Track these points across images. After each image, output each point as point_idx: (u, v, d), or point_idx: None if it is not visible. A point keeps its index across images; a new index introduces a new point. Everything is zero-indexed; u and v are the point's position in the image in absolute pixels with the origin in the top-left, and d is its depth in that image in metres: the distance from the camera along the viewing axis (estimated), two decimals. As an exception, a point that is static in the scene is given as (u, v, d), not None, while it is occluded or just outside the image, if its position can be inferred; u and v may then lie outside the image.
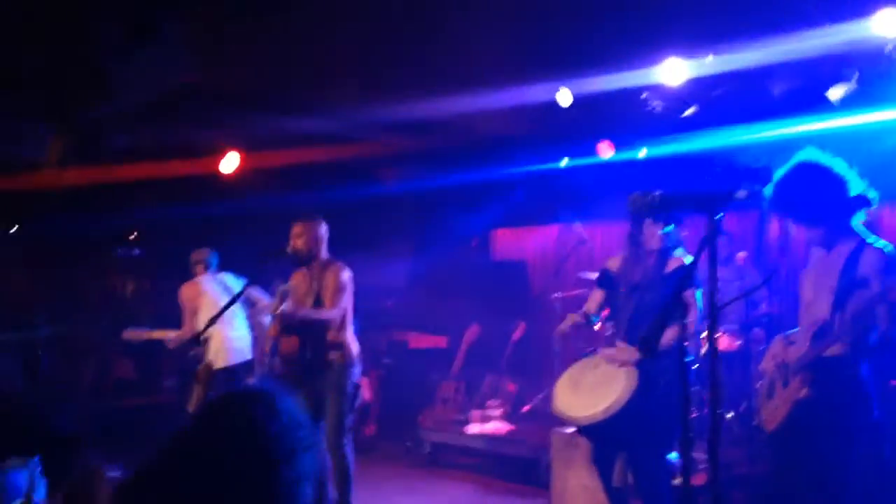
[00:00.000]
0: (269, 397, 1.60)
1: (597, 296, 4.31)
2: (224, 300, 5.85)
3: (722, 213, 2.22)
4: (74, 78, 4.65)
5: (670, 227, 4.05)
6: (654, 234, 4.03)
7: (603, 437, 4.02)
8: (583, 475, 5.23)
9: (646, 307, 4.03)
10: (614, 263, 4.28)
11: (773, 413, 3.38)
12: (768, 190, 3.29)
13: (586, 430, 4.02)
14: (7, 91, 5.25)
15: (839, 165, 3.26)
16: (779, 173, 3.31)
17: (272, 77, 6.11)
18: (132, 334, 6.25)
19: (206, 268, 6.27)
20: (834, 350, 3.19)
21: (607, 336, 4.35)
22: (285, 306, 4.75)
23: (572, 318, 4.22)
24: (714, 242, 2.22)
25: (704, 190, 2.22)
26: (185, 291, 6.18)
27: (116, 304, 7.16)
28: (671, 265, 4.04)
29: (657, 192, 2.25)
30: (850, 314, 3.16)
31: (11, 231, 7.97)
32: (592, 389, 3.96)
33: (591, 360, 4.11)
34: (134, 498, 1.56)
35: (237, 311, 6.08)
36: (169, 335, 6.16)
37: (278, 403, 1.59)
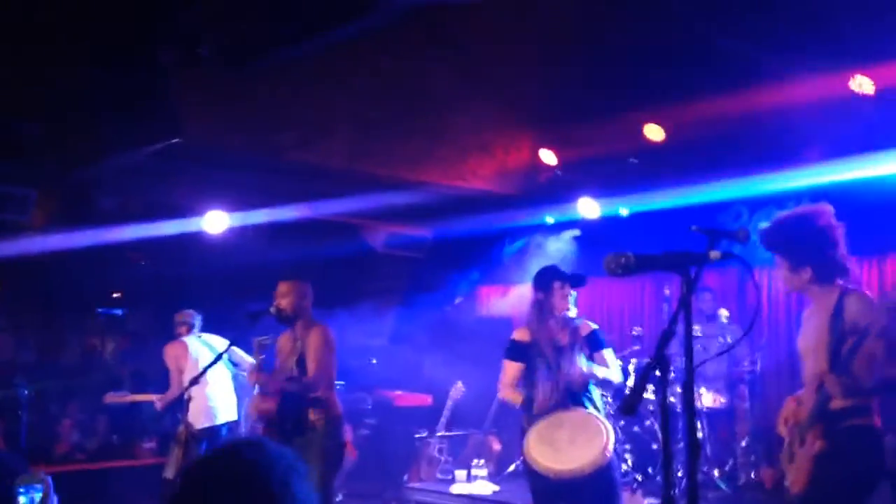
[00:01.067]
0: (257, 441, 1.66)
1: (512, 370, 4.27)
2: (207, 361, 5.85)
3: (695, 273, 2.27)
4: (69, 143, 4.70)
5: (574, 293, 4.11)
6: (565, 296, 4.08)
7: (580, 492, 3.94)
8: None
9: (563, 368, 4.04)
10: (523, 334, 4.25)
11: (796, 475, 3.36)
12: (765, 226, 3.37)
13: (569, 485, 3.93)
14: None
15: (837, 222, 3.33)
16: (783, 213, 3.40)
17: (261, 135, 6.20)
18: (114, 398, 6.21)
19: (190, 329, 6.26)
20: (838, 403, 3.21)
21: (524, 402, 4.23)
22: (262, 362, 4.74)
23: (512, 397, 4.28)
24: (689, 301, 2.26)
25: (678, 250, 2.27)
26: (170, 351, 6.15)
27: (96, 364, 7.10)
28: (583, 329, 4.13)
29: (630, 254, 2.30)
30: (853, 365, 3.18)
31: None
32: (571, 444, 3.93)
33: (553, 419, 4.07)
34: None
35: (221, 371, 6.05)
36: (151, 398, 6.12)
37: (265, 445, 1.63)
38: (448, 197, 7.56)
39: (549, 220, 8.08)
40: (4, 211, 5.92)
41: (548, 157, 7.48)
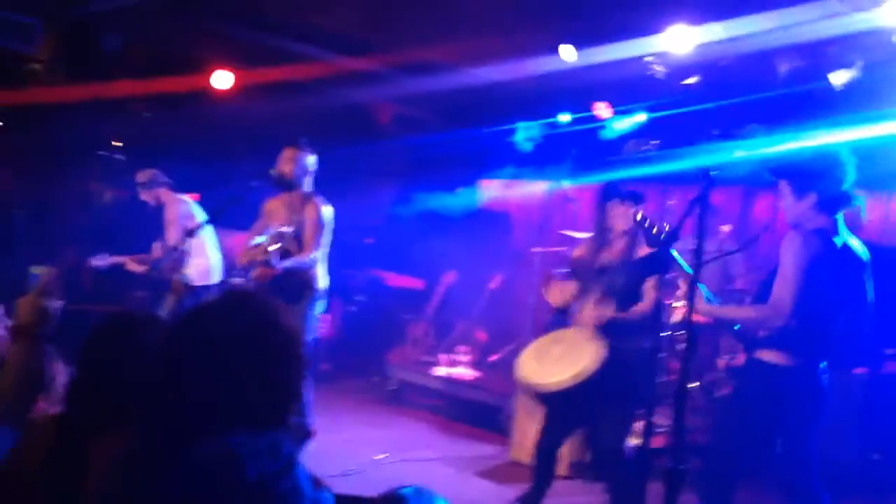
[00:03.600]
0: (243, 299, 1.67)
1: (570, 287, 4.18)
2: (197, 220, 5.88)
3: (716, 169, 2.22)
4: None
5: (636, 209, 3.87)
6: (620, 215, 3.95)
7: (563, 407, 3.97)
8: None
9: (613, 291, 3.94)
10: (579, 251, 4.21)
11: None
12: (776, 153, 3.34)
13: (548, 399, 3.94)
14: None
15: (848, 157, 3.31)
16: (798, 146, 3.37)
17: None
18: (99, 261, 6.20)
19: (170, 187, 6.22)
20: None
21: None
22: (278, 246, 4.72)
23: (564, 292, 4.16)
24: (706, 199, 2.21)
25: (703, 141, 2.21)
26: (175, 203, 6.09)
27: (93, 211, 7.09)
28: (641, 251, 3.93)
29: (654, 141, 2.24)
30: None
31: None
32: (559, 359, 3.92)
33: (557, 335, 4.08)
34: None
35: (212, 235, 6.09)
36: (137, 268, 6.10)
37: (252, 306, 1.64)
38: (459, 82, 7.38)
39: (563, 117, 7.92)
40: (10, 39, 5.73)
41: (567, 53, 7.25)
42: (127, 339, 1.89)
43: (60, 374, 2.18)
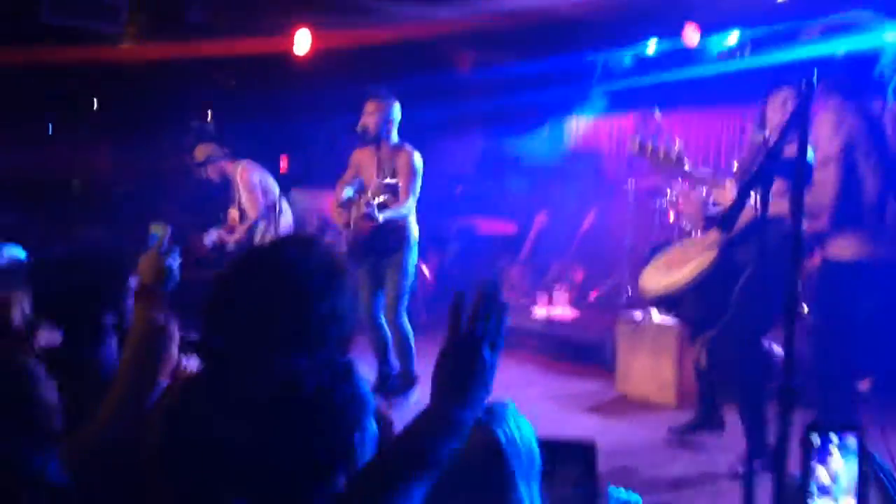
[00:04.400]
0: (307, 240, 1.72)
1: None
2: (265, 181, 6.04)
3: (818, 76, 2.10)
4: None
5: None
6: (777, 109, 3.64)
7: (676, 313, 4.24)
8: (648, 359, 5.26)
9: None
10: (745, 154, 4.11)
11: None
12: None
13: (659, 303, 4.26)
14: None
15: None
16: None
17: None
18: (209, 238, 6.27)
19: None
20: None
21: None
22: (379, 199, 4.77)
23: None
24: (806, 112, 2.09)
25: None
26: (250, 171, 6.19)
27: (191, 182, 7.32)
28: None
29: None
30: None
31: (93, 108, 8.15)
32: (671, 267, 4.07)
33: (688, 241, 4.30)
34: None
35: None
36: (237, 236, 6.20)
37: (315, 246, 1.66)
38: (541, 20, 7.21)
39: (651, 47, 7.64)
40: (99, 20, 5.92)
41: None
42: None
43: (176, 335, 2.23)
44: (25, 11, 5.85)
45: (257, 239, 6.02)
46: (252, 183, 6.13)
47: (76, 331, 2.29)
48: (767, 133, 3.77)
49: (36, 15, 5.79)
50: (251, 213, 6.14)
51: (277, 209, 5.58)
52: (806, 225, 3.18)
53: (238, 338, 1.58)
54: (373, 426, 1.55)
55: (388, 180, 4.87)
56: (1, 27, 5.86)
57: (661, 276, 4.12)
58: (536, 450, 1.64)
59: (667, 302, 4.08)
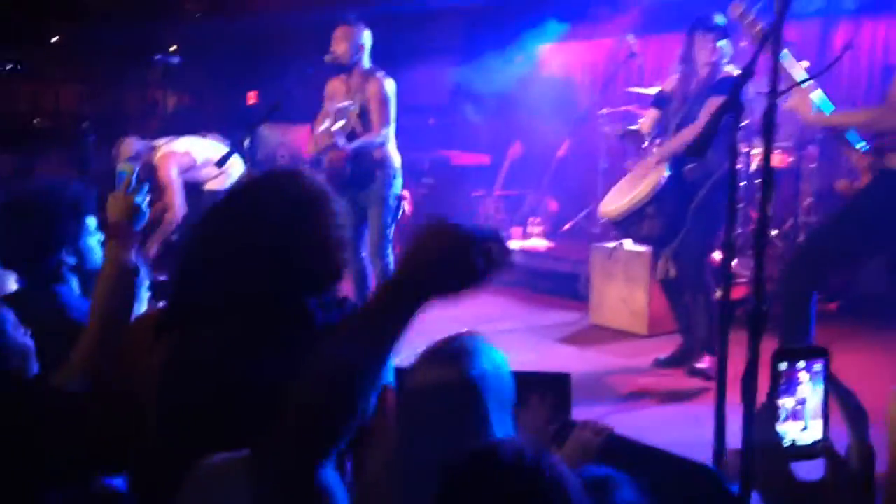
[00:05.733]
0: (289, 173, 1.70)
1: (651, 113, 4.44)
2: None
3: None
4: None
5: (723, 42, 4.06)
6: (706, 47, 4.07)
7: (633, 232, 4.38)
8: (621, 288, 5.31)
9: (692, 118, 4.07)
10: (669, 84, 4.36)
11: None
12: None
13: (618, 225, 4.40)
14: None
15: None
16: None
17: None
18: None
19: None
20: None
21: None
22: (342, 124, 4.65)
23: (624, 129, 4.55)
24: (779, 29, 2.05)
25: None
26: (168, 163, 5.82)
27: (157, 118, 7.18)
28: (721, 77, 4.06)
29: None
30: None
31: (53, 41, 7.89)
32: (626, 188, 4.29)
33: (637, 169, 4.41)
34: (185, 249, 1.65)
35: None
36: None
37: (297, 178, 1.66)
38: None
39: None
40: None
41: None
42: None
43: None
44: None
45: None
46: (170, 177, 5.75)
47: (35, 273, 2.26)
48: (697, 66, 4.15)
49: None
50: (171, 212, 5.77)
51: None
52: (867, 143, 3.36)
53: (229, 278, 1.55)
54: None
55: (343, 103, 4.72)
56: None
57: (619, 198, 4.30)
58: (510, 383, 1.63)
59: (626, 222, 4.24)
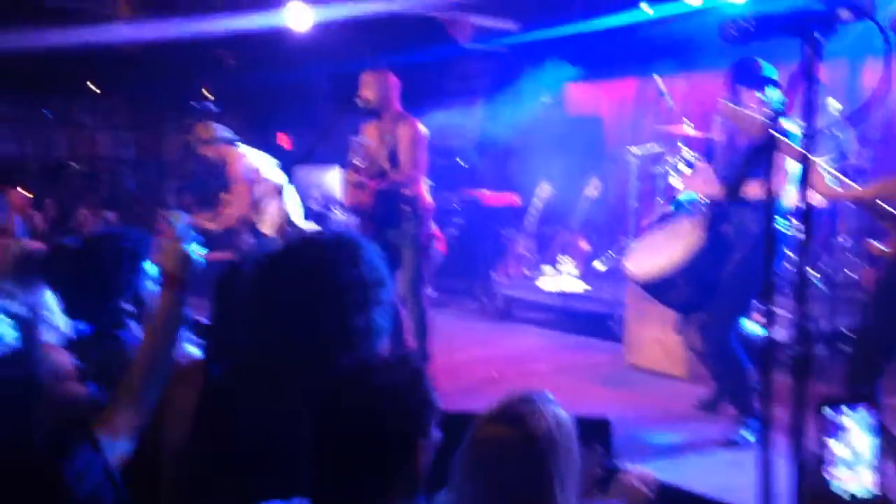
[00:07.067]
0: (354, 246, 1.68)
1: (703, 170, 4.09)
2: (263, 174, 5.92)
3: (821, 37, 2.03)
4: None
5: (771, 93, 3.65)
6: (752, 100, 3.65)
7: (662, 297, 4.03)
8: (656, 329, 5.24)
9: (738, 170, 3.71)
10: (716, 132, 4.06)
11: None
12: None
13: (645, 288, 4.04)
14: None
15: None
16: None
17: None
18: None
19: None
20: None
21: None
22: (360, 161, 4.74)
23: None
24: (814, 72, 2.04)
25: (802, 10, 2.01)
26: (238, 163, 6.00)
27: (193, 161, 7.29)
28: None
29: (749, 18, 2.05)
30: None
31: (93, 89, 8.09)
32: (658, 247, 3.97)
33: (670, 225, 4.11)
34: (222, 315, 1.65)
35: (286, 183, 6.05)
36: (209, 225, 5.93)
37: (362, 254, 1.63)
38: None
39: (646, 7, 7.52)
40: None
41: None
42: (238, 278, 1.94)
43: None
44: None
45: (243, 234, 5.90)
46: (240, 174, 5.96)
47: (98, 320, 2.30)
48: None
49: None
50: (235, 206, 5.98)
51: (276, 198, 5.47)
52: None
53: (268, 336, 1.57)
54: (437, 433, 1.52)
55: (359, 139, 4.79)
56: (2, 9, 5.81)
57: (649, 258, 4.03)
58: (575, 445, 1.60)
59: (654, 288, 3.95)
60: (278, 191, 5.94)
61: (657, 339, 5.23)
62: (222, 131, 6.12)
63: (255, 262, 1.74)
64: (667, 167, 6.09)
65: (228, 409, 1.60)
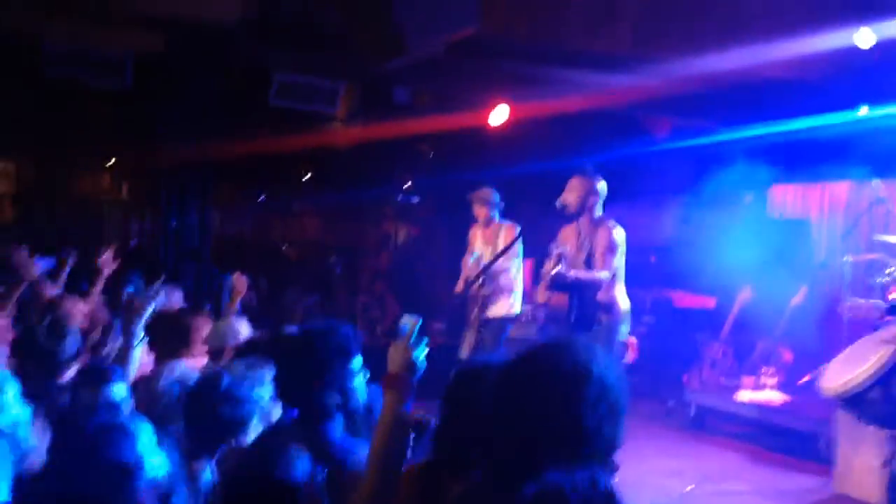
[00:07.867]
0: (590, 350, 1.75)
1: None
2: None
3: None
4: (371, 33, 4.90)
5: None
6: None
7: (861, 413, 3.94)
8: (871, 455, 4.77)
9: None
10: None
11: None
12: None
13: (843, 403, 3.98)
14: (308, 49, 5.68)
15: None
16: None
17: (545, 23, 6.04)
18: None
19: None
20: None
21: None
22: (561, 267, 4.76)
23: None
24: None
25: None
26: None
27: (389, 250, 7.65)
28: None
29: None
30: None
31: (304, 180, 8.75)
32: (854, 359, 3.88)
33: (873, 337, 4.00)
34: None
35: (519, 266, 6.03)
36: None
37: (591, 356, 1.71)
38: (739, 85, 6.95)
39: (864, 110, 7.14)
40: (314, 103, 6.39)
41: (864, 37, 6.52)
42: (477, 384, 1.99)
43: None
44: (253, 96, 6.43)
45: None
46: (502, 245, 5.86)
47: (305, 409, 2.42)
48: None
49: (264, 99, 6.33)
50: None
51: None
52: None
53: (503, 450, 1.59)
54: None
55: (558, 248, 4.80)
56: (232, 111, 6.49)
57: (843, 371, 3.86)
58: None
59: (850, 402, 3.69)
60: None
61: (874, 468, 4.75)
62: (494, 195, 6.11)
63: (500, 369, 1.77)
64: (886, 279, 5.64)
65: None
